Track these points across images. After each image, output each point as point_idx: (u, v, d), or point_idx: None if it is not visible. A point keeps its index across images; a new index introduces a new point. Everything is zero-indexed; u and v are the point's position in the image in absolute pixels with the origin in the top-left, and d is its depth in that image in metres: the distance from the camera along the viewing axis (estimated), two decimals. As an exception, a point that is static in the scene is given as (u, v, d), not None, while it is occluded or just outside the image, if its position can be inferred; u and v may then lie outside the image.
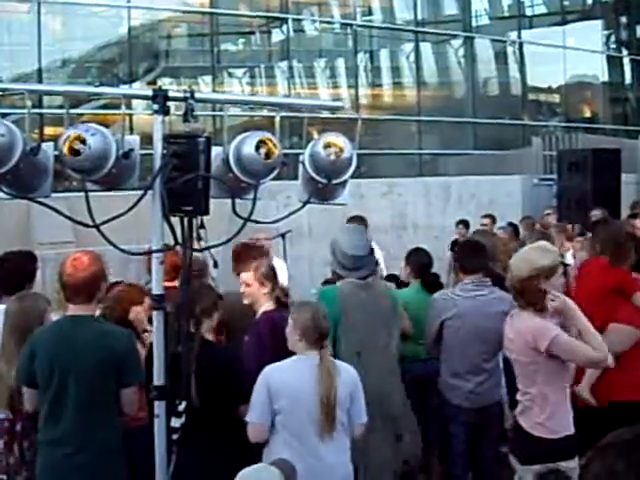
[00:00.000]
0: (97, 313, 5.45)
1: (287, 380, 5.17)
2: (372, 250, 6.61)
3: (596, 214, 12.03)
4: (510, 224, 13.39)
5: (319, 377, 5.16)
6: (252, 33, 20.94)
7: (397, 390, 6.35)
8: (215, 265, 6.31)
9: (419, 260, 7.81)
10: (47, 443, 5.09)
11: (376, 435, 5.92)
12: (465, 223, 13.72)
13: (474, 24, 23.22)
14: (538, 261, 5.43)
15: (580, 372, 6.33)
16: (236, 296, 6.43)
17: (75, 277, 5.07)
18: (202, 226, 4.55)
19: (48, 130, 14.77)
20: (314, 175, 4.84)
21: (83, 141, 4.21)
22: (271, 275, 6.32)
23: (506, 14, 24.79)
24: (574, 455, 5.25)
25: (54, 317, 5.61)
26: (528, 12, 25.01)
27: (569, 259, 9.22)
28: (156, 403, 4.69)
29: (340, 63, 21.71)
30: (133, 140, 4.63)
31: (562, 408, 5.37)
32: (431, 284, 7.74)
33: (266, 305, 6.26)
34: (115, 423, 5.15)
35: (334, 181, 4.87)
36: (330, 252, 6.51)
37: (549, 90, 25.24)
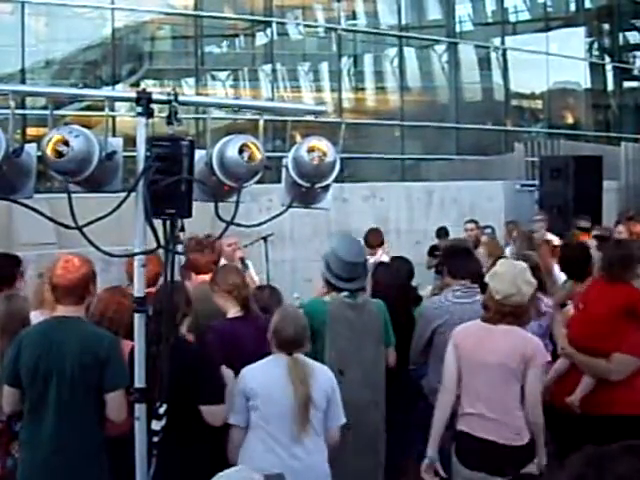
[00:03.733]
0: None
1: (259, 380, 5.24)
2: (366, 261, 6.64)
3: (584, 223, 12.09)
4: (492, 228, 13.42)
5: (291, 378, 5.21)
6: (236, 36, 20.96)
7: (376, 408, 6.34)
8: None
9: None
10: (28, 444, 5.08)
11: (350, 451, 5.95)
12: (446, 231, 13.67)
13: (458, 30, 23.30)
14: (533, 279, 5.54)
15: (570, 383, 6.36)
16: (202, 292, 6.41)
17: (67, 278, 5.07)
18: (182, 229, 4.55)
19: (31, 131, 14.73)
20: (297, 179, 4.84)
21: (66, 143, 4.21)
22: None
23: (490, 20, 24.86)
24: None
25: (33, 317, 5.62)
26: (512, 18, 25.08)
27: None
28: (136, 406, 4.68)
29: (324, 67, 21.74)
30: (116, 142, 4.63)
31: None
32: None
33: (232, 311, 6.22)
34: (97, 427, 5.12)
35: (317, 185, 4.87)
36: (323, 262, 6.49)
37: (532, 96, 25.34)
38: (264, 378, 5.26)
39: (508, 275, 5.53)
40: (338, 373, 5.71)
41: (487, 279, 5.68)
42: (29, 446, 5.07)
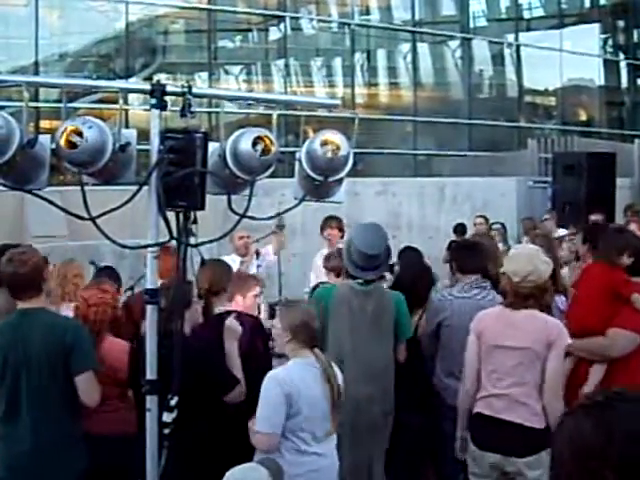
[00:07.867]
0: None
1: (304, 385, 5.01)
2: (388, 249, 6.62)
3: (595, 218, 12.05)
4: (502, 224, 13.42)
5: (324, 378, 5.05)
6: (249, 30, 20.95)
7: (378, 400, 6.30)
8: (203, 262, 6.28)
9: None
10: (6, 437, 5.11)
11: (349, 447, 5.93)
12: (463, 227, 13.67)
13: (472, 25, 23.24)
14: (549, 261, 5.57)
15: (583, 374, 6.34)
16: None
17: (18, 274, 5.06)
18: (195, 221, 4.54)
19: (44, 123, 14.72)
20: (310, 172, 4.82)
21: (80, 134, 4.21)
22: None
23: (504, 16, 24.82)
24: None
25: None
26: (526, 15, 25.02)
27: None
28: (148, 398, 4.68)
29: (337, 62, 21.72)
30: (130, 134, 4.62)
31: None
32: None
33: None
34: (71, 415, 5.17)
35: (330, 179, 4.85)
36: (344, 249, 6.52)
37: (545, 93, 25.28)
38: (306, 383, 5.01)
39: (523, 255, 5.59)
40: (338, 363, 5.66)
41: (503, 268, 5.70)
42: (6, 441, 5.10)
